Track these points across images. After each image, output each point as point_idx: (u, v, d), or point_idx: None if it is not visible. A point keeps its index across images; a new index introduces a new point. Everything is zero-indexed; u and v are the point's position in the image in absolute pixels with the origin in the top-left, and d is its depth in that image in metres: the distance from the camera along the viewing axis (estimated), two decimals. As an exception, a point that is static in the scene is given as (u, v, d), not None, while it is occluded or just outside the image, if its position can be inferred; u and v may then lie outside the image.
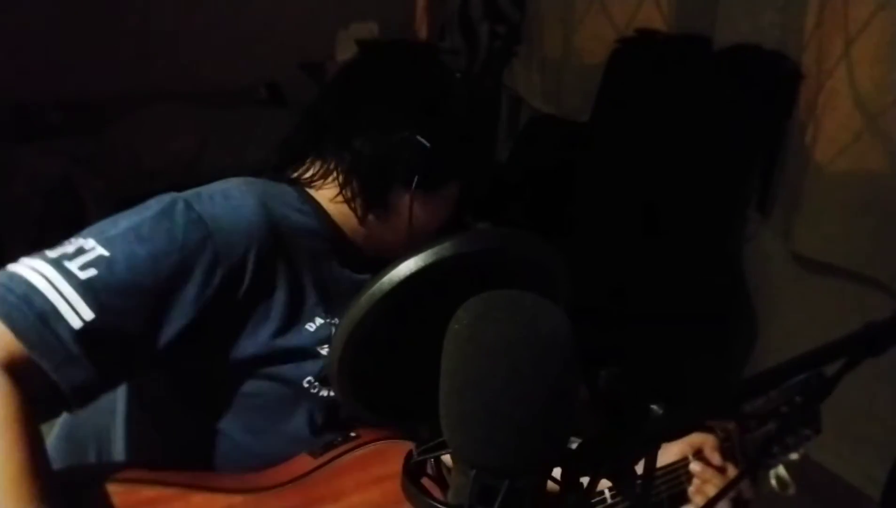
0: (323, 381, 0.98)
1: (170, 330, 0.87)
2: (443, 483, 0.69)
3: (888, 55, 1.85)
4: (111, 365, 0.84)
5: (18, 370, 0.79)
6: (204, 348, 0.92)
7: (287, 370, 0.96)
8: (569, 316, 0.52)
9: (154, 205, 0.91)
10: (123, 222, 0.89)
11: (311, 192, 1.05)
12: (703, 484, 1.06)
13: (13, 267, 0.83)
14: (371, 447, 0.97)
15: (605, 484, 1.00)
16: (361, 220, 1.05)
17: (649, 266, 2.38)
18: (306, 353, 0.97)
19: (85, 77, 2.68)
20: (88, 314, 0.81)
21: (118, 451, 1.02)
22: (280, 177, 1.05)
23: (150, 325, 0.86)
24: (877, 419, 1.98)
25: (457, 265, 0.57)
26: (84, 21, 2.68)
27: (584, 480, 0.56)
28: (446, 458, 0.57)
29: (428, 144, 1.01)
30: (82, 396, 0.83)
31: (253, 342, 0.94)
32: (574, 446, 0.56)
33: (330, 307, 1.00)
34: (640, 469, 0.59)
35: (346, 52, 3.05)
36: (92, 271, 0.83)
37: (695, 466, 1.07)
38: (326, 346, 0.98)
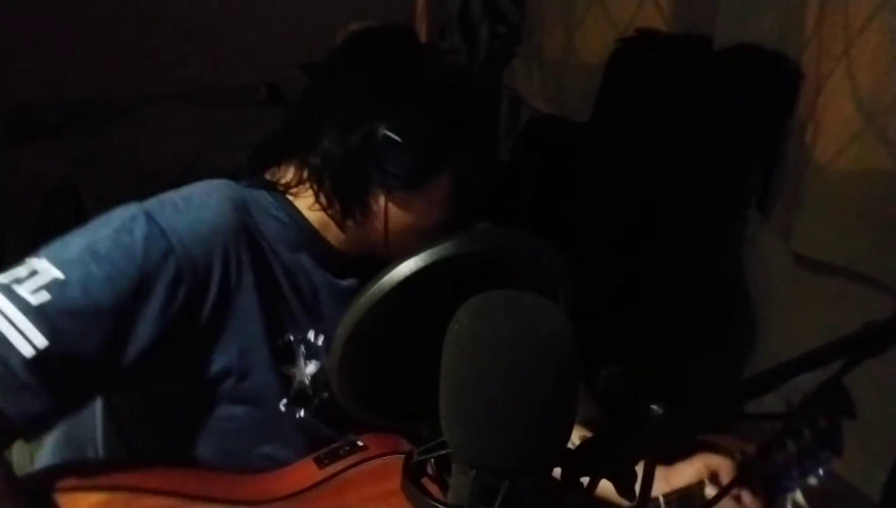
0: (298, 401, 0.95)
1: (132, 351, 0.84)
2: (443, 483, 0.69)
3: (888, 55, 1.85)
4: (69, 392, 0.82)
5: None
6: (171, 365, 0.89)
7: (261, 390, 0.92)
8: (569, 316, 0.52)
9: (113, 219, 0.88)
10: (80, 239, 0.86)
11: (290, 197, 0.99)
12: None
13: None
14: (378, 462, 0.94)
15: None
16: (341, 226, 0.99)
17: (649, 266, 2.37)
18: (280, 369, 0.94)
19: (85, 77, 2.68)
20: (41, 341, 0.78)
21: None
22: (258, 181, 1.00)
23: (110, 347, 0.83)
24: (877, 420, 1.98)
25: (457, 265, 0.57)
26: (84, 21, 2.67)
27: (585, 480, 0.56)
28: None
29: (398, 138, 0.92)
30: (37, 426, 0.81)
31: (224, 357, 0.90)
32: (574, 446, 0.56)
33: (308, 318, 0.96)
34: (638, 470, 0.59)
35: (346, 52, 3.05)
36: (44, 296, 0.80)
37: (710, 491, 1.04)
38: (291, 366, 0.94)
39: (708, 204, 2.33)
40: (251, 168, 1.02)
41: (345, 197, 0.97)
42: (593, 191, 2.62)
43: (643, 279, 2.38)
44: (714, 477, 1.06)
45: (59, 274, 0.82)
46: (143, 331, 0.84)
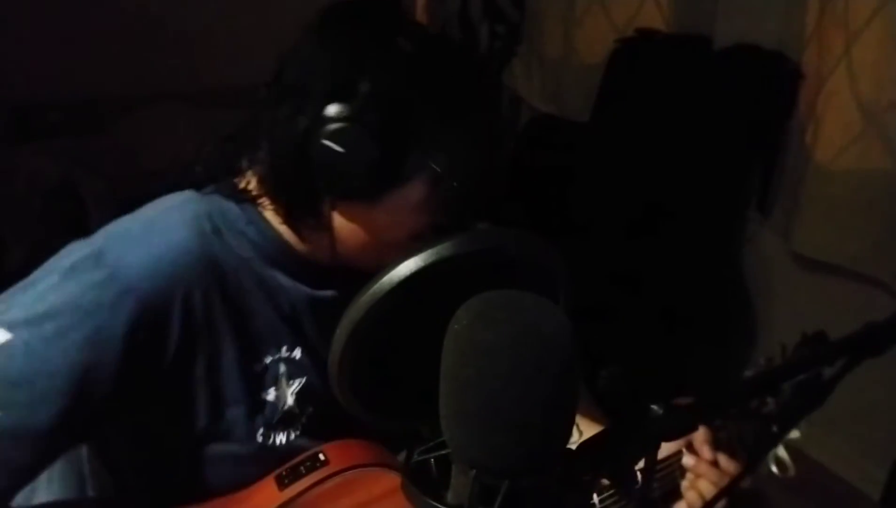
0: (277, 426, 0.90)
1: (90, 408, 0.78)
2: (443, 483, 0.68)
3: (888, 55, 1.85)
4: (22, 467, 0.77)
5: None
6: (138, 410, 0.84)
7: (235, 426, 0.88)
8: (569, 316, 0.52)
9: (62, 263, 0.80)
10: (28, 292, 0.79)
11: (261, 208, 0.89)
12: (696, 479, 1.01)
13: None
14: (339, 478, 0.89)
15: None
16: (302, 238, 0.89)
17: (649, 266, 2.38)
18: (255, 405, 0.89)
19: (85, 77, 2.67)
20: None
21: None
22: (227, 191, 0.90)
23: (66, 411, 0.76)
24: (877, 420, 1.98)
25: (457, 265, 0.57)
26: (84, 21, 2.67)
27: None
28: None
29: (339, 148, 0.79)
30: None
31: (196, 395, 0.84)
32: (574, 446, 0.56)
33: (287, 335, 0.91)
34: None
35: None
36: None
37: (688, 460, 1.01)
38: (272, 390, 0.90)
39: (708, 204, 2.33)
40: (210, 174, 0.92)
41: (292, 210, 0.86)
42: (593, 191, 2.62)
43: (643, 279, 2.38)
44: (690, 447, 1.03)
45: (3, 336, 0.75)
46: (100, 387, 0.78)
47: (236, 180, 0.91)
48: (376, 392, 0.63)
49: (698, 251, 2.35)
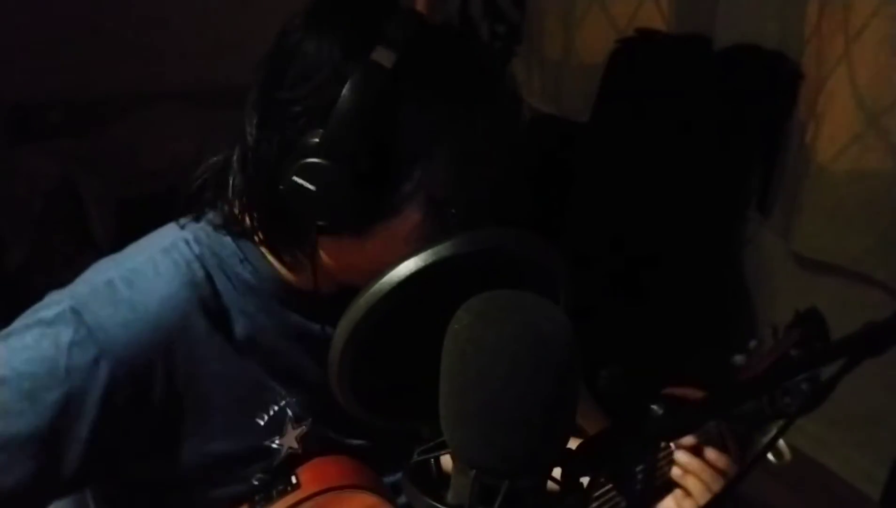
0: (277, 469, 0.87)
1: (65, 470, 0.75)
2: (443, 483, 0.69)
3: (888, 55, 1.85)
4: None
5: None
6: (121, 469, 0.81)
7: (235, 478, 0.84)
8: (569, 316, 0.52)
9: (37, 320, 0.76)
10: (3, 346, 0.75)
11: (256, 243, 0.83)
12: (685, 475, 0.99)
13: None
14: (310, 503, 0.86)
15: None
16: (292, 271, 0.83)
17: (649, 266, 2.37)
18: (255, 453, 0.85)
19: (85, 77, 2.67)
20: None
21: None
22: (220, 224, 0.83)
23: (38, 473, 0.73)
24: (877, 420, 1.98)
25: (457, 265, 0.57)
26: (84, 21, 2.67)
27: (585, 480, 0.56)
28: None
29: (310, 186, 0.71)
30: None
31: (191, 451, 0.81)
32: (574, 446, 0.56)
33: (292, 377, 0.86)
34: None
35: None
36: None
37: (682, 456, 0.99)
38: (277, 437, 0.86)
39: (708, 204, 2.33)
40: (194, 202, 0.85)
41: (273, 243, 0.81)
42: (593, 191, 2.62)
43: (643, 279, 2.38)
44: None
45: None
46: (75, 450, 0.75)
47: (230, 207, 0.84)
48: (376, 392, 0.63)
49: (698, 251, 2.35)
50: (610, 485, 0.97)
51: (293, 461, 0.88)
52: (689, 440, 1.00)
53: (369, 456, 0.93)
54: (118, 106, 2.79)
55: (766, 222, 2.29)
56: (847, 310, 2.02)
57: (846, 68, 1.92)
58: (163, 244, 0.82)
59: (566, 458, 0.55)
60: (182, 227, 0.84)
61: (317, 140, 0.71)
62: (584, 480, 0.56)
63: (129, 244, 0.85)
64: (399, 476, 0.95)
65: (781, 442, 1.05)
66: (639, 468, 1.00)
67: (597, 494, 0.98)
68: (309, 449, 0.90)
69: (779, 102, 2.18)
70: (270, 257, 0.83)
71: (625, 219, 2.47)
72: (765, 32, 2.18)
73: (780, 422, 1.04)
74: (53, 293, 0.79)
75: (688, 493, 0.99)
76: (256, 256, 0.83)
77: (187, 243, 0.82)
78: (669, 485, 1.02)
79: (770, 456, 1.05)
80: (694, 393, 0.91)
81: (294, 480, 0.87)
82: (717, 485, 0.97)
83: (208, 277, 0.81)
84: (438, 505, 0.54)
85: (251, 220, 0.81)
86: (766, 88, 2.19)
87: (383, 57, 0.71)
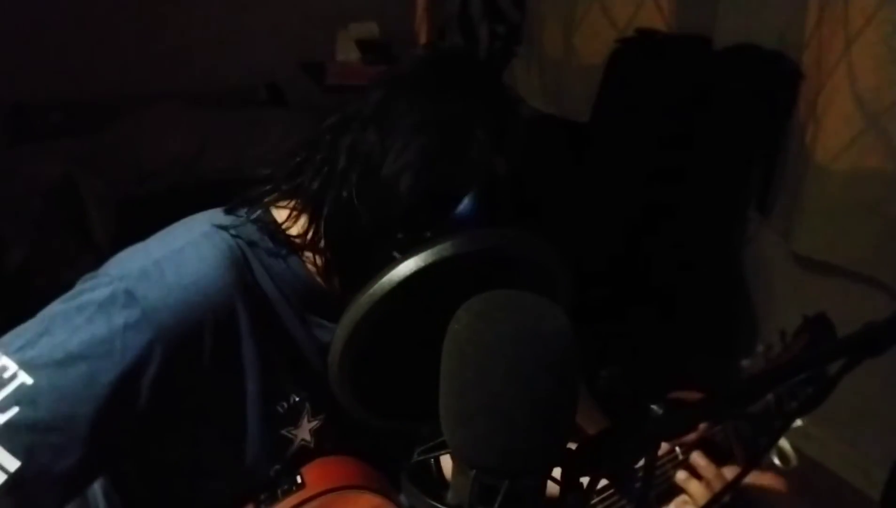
0: (300, 458, 0.88)
1: (115, 450, 0.77)
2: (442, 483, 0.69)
3: (888, 55, 1.85)
4: (43, 505, 0.74)
5: None
6: (155, 447, 0.82)
7: (252, 465, 0.86)
8: (569, 316, 0.52)
9: (87, 300, 0.76)
10: (49, 330, 0.75)
11: (296, 248, 0.85)
12: (688, 480, 1.01)
13: None
14: (316, 503, 0.87)
15: None
16: (343, 291, 0.85)
17: (649, 266, 2.38)
18: (271, 441, 0.86)
19: (85, 77, 2.68)
20: (13, 464, 0.70)
21: None
22: (262, 224, 0.85)
23: (93, 454, 0.74)
24: (877, 420, 1.98)
25: (457, 265, 0.57)
26: (84, 21, 2.68)
27: (584, 480, 0.56)
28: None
29: (425, 234, 0.74)
30: None
31: (213, 435, 0.83)
32: (574, 446, 0.56)
33: (315, 374, 0.86)
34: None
35: (346, 52, 3.05)
36: (13, 410, 0.71)
37: (699, 459, 1.00)
38: (292, 427, 0.87)
39: (708, 204, 2.33)
40: (257, 195, 0.87)
41: (343, 276, 0.84)
42: (593, 191, 2.62)
43: (643, 279, 2.38)
44: (682, 445, 1.03)
45: (27, 379, 0.72)
46: (128, 430, 0.77)
47: (272, 212, 0.86)
48: (376, 392, 0.63)
49: (698, 251, 2.35)
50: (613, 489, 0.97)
51: (304, 454, 0.89)
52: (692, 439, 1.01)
53: (380, 457, 0.94)
54: (118, 106, 2.79)
55: (766, 222, 2.29)
56: (847, 310, 2.02)
57: (846, 68, 1.92)
58: (203, 229, 0.83)
59: (566, 458, 0.55)
60: (218, 217, 0.86)
61: (427, 236, 0.74)
62: (584, 480, 0.56)
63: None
64: None
65: (788, 447, 1.05)
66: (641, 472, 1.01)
67: (601, 497, 0.98)
68: (321, 445, 0.91)
69: (779, 102, 2.18)
70: (309, 265, 0.85)
71: (625, 219, 2.48)
72: (765, 32, 2.18)
73: (788, 426, 1.03)
74: (99, 276, 0.79)
75: (691, 498, 0.99)
76: (294, 260, 0.85)
77: (225, 229, 0.83)
78: (673, 489, 1.03)
79: (776, 461, 1.05)
80: (697, 396, 0.91)
81: (299, 479, 0.87)
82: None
83: (249, 266, 0.83)
84: (438, 505, 0.54)
85: (326, 247, 0.82)
86: (766, 88, 2.19)
87: (501, 165, 0.79)
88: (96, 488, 0.89)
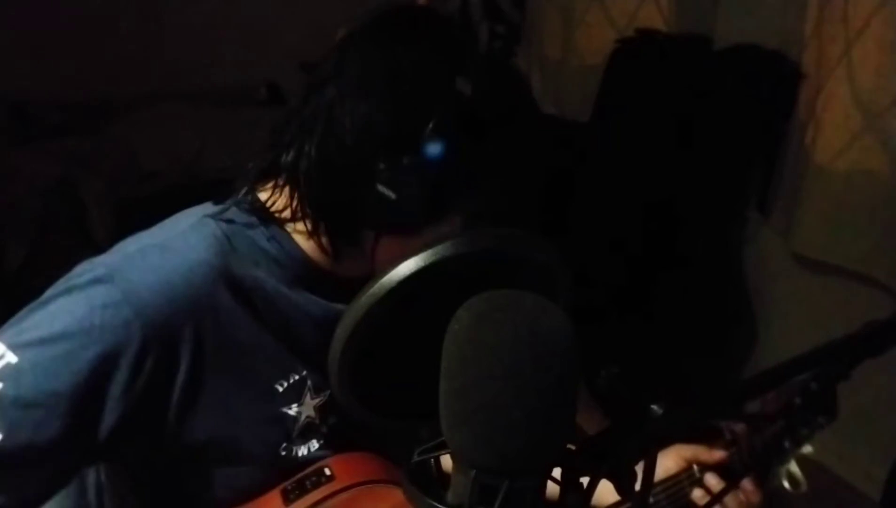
0: (297, 439, 0.89)
1: (97, 432, 0.78)
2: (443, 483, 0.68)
3: (888, 55, 1.85)
4: (28, 486, 0.76)
5: None
6: (148, 437, 0.83)
7: (255, 447, 0.87)
8: (569, 316, 0.52)
9: (72, 285, 0.79)
10: (38, 313, 0.78)
11: (284, 225, 0.88)
12: (703, 498, 1.03)
13: None
14: (346, 494, 0.87)
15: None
16: (332, 257, 0.88)
17: (649, 266, 2.38)
18: (277, 419, 0.87)
19: (85, 77, 2.68)
20: None
21: None
22: (248, 206, 0.88)
23: (72, 432, 0.76)
24: (877, 419, 1.98)
25: (457, 265, 0.57)
26: (84, 21, 2.68)
27: (585, 480, 0.56)
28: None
29: (392, 195, 0.79)
30: None
31: (210, 421, 0.83)
32: (574, 446, 0.56)
33: (313, 352, 0.88)
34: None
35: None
36: None
37: (711, 480, 1.03)
38: (295, 405, 0.88)
39: (708, 204, 2.33)
40: (243, 182, 0.89)
41: (332, 236, 0.87)
42: (593, 191, 2.62)
43: (643, 279, 2.38)
44: (698, 463, 1.05)
45: (13, 358, 0.75)
46: (109, 410, 0.78)
47: (258, 195, 0.89)
48: (376, 392, 0.63)
49: (698, 251, 2.35)
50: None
51: (312, 431, 0.90)
52: (717, 456, 1.03)
53: (389, 439, 0.93)
54: (118, 106, 2.79)
55: (766, 222, 2.29)
56: (847, 310, 2.02)
57: (846, 68, 1.92)
58: (190, 221, 0.86)
59: (566, 458, 0.55)
60: (207, 209, 0.88)
61: (403, 160, 0.79)
62: (584, 480, 0.56)
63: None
64: None
65: (797, 471, 1.06)
66: (659, 489, 1.02)
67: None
68: (326, 421, 0.91)
69: (779, 102, 2.18)
70: (299, 240, 0.87)
71: (625, 219, 2.48)
72: (765, 32, 2.18)
73: (800, 451, 1.06)
74: (84, 264, 0.81)
75: None
76: (283, 236, 0.87)
77: (215, 219, 0.86)
78: (690, 507, 1.04)
79: (786, 485, 1.07)
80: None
81: (328, 472, 0.88)
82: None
83: (235, 250, 0.85)
84: (438, 505, 0.54)
85: (313, 211, 0.85)
86: (766, 88, 2.19)
87: (464, 86, 0.80)
88: (91, 484, 0.91)
